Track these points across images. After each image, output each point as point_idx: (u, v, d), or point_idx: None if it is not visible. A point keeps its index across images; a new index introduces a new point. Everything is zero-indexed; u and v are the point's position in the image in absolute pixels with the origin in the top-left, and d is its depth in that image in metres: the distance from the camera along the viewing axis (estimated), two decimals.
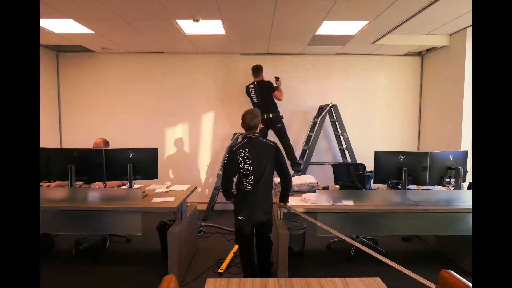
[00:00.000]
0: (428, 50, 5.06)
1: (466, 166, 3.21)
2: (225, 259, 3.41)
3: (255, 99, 4.66)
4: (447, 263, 3.38)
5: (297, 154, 5.33)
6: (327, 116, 5.01)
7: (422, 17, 3.53)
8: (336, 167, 4.04)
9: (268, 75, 5.28)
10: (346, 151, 5.00)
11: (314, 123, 5.00)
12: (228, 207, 5.37)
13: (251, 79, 5.24)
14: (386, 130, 5.41)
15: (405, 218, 2.88)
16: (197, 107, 5.34)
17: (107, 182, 3.22)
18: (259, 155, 2.58)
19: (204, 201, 5.33)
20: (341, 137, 4.94)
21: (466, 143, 4.19)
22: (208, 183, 5.42)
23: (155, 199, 3.06)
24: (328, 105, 4.90)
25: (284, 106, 5.31)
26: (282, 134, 4.71)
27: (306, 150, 5.02)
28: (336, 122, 4.95)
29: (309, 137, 5.04)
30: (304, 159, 4.88)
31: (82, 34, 4.13)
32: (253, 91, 4.66)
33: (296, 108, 5.36)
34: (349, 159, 4.94)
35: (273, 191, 3.38)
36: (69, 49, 5.09)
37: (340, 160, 5.27)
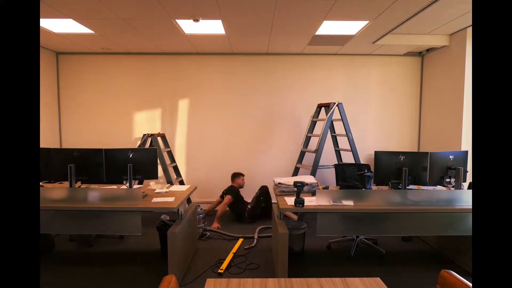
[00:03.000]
0: (428, 50, 5.06)
1: (466, 166, 3.21)
2: (225, 259, 3.41)
3: None
4: (447, 263, 3.38)
5: (295, 156, 5.35)
6: (320, 116, 4.92)
7: (422, 17, 3.54)
8: (338, 167, 4.04)
9: (268, 75, 5.30)
10: (342, 152, 4.94)
11: (313, 123, 4.94)
12: None
13: (251, 78, 5.24)
14: (386, 130, 5.41)
15: (405, 218, 2.88)
16: (197, 107, 5.34)
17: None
18: None
19: (205, 201, 5.34)
20: (347, 137, 4.69)
21: (466, 143, 4.19)
22: (208, 183, 5.42)
23: (155, 199, 3.06)
24: (334, 103, 4.63)
25: (284, 106, 5.33)
26: None
27: (304, 153, 4.94)
28: (342, 122, 4.68)
29: (307, 138, 4.97)
30: (313, 163, 4.57)
31: (82, 34, 4.14)
32: None
33: (295, 108, 5.36)
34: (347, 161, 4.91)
35: (273, 191, 3.39)
36: (69, 49, 5.09)
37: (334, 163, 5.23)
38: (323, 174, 5.43)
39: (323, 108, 4.90)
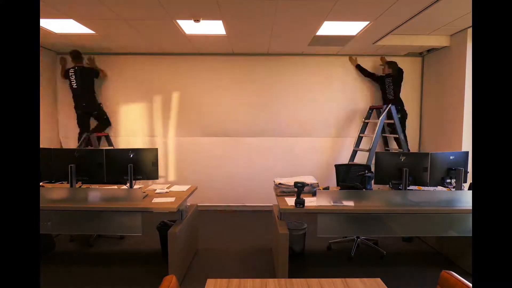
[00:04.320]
0: (428, 51, 5.05)
1: (467, 166, 3.20)
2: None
3: (74, 84, 4.89)
4: (448, 263, 3.38)
5: (295, 156, 5.35)
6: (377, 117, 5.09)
7: (423, 18, 3.53)
8: (339, 167, 4.03)
9: (268, 75, 5.30)
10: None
11: (365, 123, 5.16)
12: None
13: (252, 79, 5.24)
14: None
15: (406, 219, 2.87)
16: (198, 107, 5.34)
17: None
18: None
19: (205, 202, 5.34)
20: (399, 138, 4.86)
21: (467, 144, 4.18)
22: (209, 183, 5.41)
23: (156, 200, 3.06)
24: (386, 105, 4.85)
25: (284, 106, 5.32)
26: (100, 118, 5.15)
27: (356, 151, 5.13)
28: (394, 123, 4.84)
29: (359, 138, 5.15)
30: (366, 161, 4.76)
31: (83, 34, 4.14)
32: (73, 76, 4.88)
33: (295, 108, 5.35)
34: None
35: (273, 191, 3.39)
36: (69, 49, 5.08)
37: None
38: (323, 175, 5.42)
39: (374, 110, 5.18)
